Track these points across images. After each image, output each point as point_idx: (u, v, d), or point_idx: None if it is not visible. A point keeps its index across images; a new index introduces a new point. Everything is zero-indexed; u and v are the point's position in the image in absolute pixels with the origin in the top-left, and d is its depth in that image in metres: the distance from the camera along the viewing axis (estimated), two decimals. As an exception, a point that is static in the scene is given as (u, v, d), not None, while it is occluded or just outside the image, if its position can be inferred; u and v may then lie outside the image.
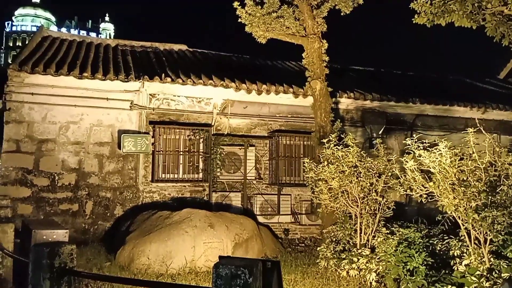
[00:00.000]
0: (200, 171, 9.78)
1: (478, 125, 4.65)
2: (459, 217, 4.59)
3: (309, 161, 6.91)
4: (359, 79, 12.79)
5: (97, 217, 9.20)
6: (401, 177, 4.99)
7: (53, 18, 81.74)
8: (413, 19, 10.09)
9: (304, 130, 10.47)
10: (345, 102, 10.90)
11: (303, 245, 9.58)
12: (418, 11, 9.33)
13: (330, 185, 6.45)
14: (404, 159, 4.90)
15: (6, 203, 7.88)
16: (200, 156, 9.83)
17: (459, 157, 4.55)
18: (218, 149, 9.77)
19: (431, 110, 11.63)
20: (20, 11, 78.78)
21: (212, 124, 9.99)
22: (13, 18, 78.37)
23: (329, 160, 6.51)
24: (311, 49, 8.62)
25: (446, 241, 5.13)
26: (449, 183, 4.46)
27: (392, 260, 4.89)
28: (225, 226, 7.03)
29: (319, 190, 6.67)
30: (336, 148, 6.38)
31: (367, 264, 5.58)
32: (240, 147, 10.00)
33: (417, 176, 4.75)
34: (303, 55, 8.79)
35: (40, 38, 11.55)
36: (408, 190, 4.89)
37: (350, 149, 6.27)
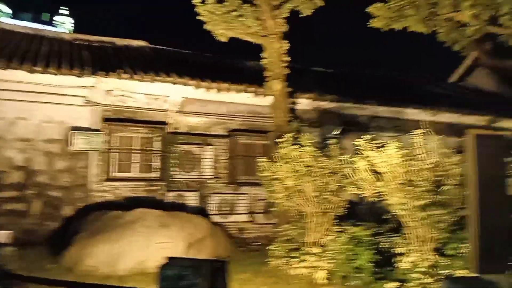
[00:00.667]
0: (156, 170, 9.59)
1: (424, 127, 4.81)
2: (405, 215, 4.73)
3: (264, 160, 6.92)
4: (318, 80, 12.96)
5: (46, 217, 8.80)
6: (352, 177, 5.09)
7: (8, 11, 77.89)
8: (368, 23, 10.42)
9: (263, 130, 10.48)
10: (304, 103, 11.01)
11: (258, 244, 9.59)
12: (374, 16, 9.63)
13: (285, 184, 6.49)
14: (355, 159, 5.00)
15: None
16: (156, 155, 9.63)
17: (408, 158, 4.69)
18: (174, 148, 9.61)
19: (385, 112, 11.97)
20: (-30, 1, 74.59)
21: (169, 122, 9.81)
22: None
23: (284, 160, 6.55)
24: (271, 49, 8.66)
25: (392, 238, 5.29)
26: (397, 183, 4.59)
27: (340, 258, 4.98)
28: (179, 226, 6.92)
29: (274, 189, 6.70)
30: (292, 147, 6.43)
31: (316, 262, 5.65)
32: (198, 146, 9.89)
33: (367, 175, 4.86)
34: (262, 55, 8.81)
35: (-12, 29, 10.95)
36: (358, 190, 5.00)
37: (305, 148, 6.33)
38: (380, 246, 5.27)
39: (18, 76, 8.57)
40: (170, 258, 2.70)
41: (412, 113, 12.20)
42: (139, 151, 9.55)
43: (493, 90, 16.82)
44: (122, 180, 9.33)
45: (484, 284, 2.33)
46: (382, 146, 5.01)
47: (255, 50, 9.05)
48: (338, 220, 6.64)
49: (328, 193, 6.35)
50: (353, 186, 5.03)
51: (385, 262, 4.91)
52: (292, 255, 6.16)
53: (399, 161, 4.65)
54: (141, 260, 6.33)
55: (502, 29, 10.01)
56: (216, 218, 9.78)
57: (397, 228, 5.38)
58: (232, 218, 10.05)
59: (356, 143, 4.95)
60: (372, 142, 4.97)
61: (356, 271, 4.79)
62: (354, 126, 11.56)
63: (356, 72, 16.02)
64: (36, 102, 8.85)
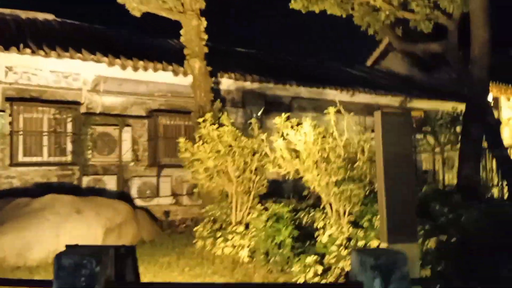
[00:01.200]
0: (69, 153, 8.95)
1: (338, 105, 4.96)
2: (321, 191, 4.88)
3: (184, 141, 6.74)
4: (241, 61, 12.91)
5: None
6: (272, 155, 5.13)
7: None
8: (289, 4, 10.52)
9: (185, 110, 10.22)
10: (226, 83, 10.90)
11: (183, 225, 9.47)
12: (294, -3, 9.75)
13: (206, 165, 6.39)
14: (273, 138, 5.03)
15: None
16: (68, 137, 8.97)
17: (322, 136, 4.82)
18: (89, 130, 9.02)
19: (306, 93, 12.29)
20: None
21: (82, 102, 9.17)
22: None
23: (205, 140, 6.43)
24: (189, 26, 8.39)
25: (311, 214, 5.46)
26: (313, 160, 4.70)
27: (261, 235, 5.04)
28: (95, 212, 6.55)
29: (195, 170, 6.57)
30: (212, 127, 6.32)
31: (240, 241, 5.67)
32: (115, 127, 9.38)
33: (284, 154, 4.92)
34: (181, 32, 8.51)
35: None
36: (277, 168, 5.05)
37: (225, 128, 6.26)
38: (301, 222, 5.42)
39: None
40: (67, 246, 2.49)
41: (331, 94, 12.66)
42: (49, 134, 8.82)
43: (405, 73, 18.08)
44: (30, 165, 8.58)
45: (391, 254, 2.45)
46: (298, 125, 5.09)
47: (176, 28, 8.73)
48: (261, 199, 6.72)
49: (250, 172, 6.37)
50: (273, 165, 5.07)
51: (305, 237, 5.06)
52: (217, 235, 6.12)
53: (314, 139, 4.76)
54: (53, 249, 5.88)
55: (412, 14, 10.69)
56: (139, 202, 9.45)
57: (317, 204, 5.56)
58: (156, 201, 9.77)
59: (275, 122, 4.98)
60: (289, 121, 5.03)
61: (277, 247, 4.87)
62: (276, 106, 11.74)
63: (278, 54, 16.23)
64: None
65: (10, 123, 8.33)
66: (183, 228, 9.13)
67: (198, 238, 6.60)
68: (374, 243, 4.33)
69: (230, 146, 6.28)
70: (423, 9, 10.14)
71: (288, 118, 5.13)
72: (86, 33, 11.25)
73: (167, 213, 10.01)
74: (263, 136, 5.46)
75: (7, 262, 5.56)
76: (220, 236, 6.06)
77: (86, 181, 9.00)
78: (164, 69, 9.78)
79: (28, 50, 8.32)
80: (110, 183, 9.27)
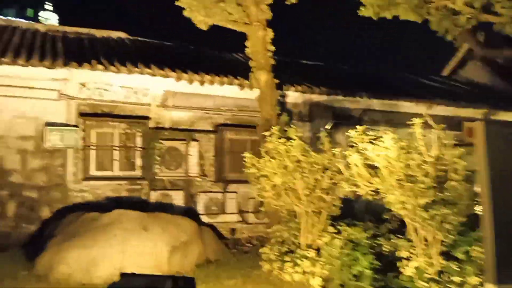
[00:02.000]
0: (138, 168, 9.03)
1: (425, 117, 4.34)
2: (406, 215, 4.27)
3: (250, 156, 6.41)
4: (307, 73, 12.48)
5: (21, 219, 8.21)
6: (346, 173, 4.61)
7: (-12, 6, 75.85)
8: (358, 11, 9.94)
9: (251, 125, 9.94)
10: (293, 96, 10.53)
11: (249, 245, 9.12)
12: (364, 3, 9.16)
13: (273, 182, 5.99)
14: (348, 153, 4.51)
15: None
16: (138, 152, 9.07)
17: (406, 151, 4.22)
18: (157, 144, 9.06)
19: (378, 105, 11.55)
20: (-48, -3, 72.53)
21: (151, 116, 9.25)
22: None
23: (271, 155, 6.05)
24: (255, 38, 8.14)
25: (393, 241, 4.81)
26: (396, 179, 4.12)
27: (336, 263, 4.51)
28: (161, 228, 6.39)
29: (262, 187, 6.20)
30: (279, 141, 5.93)
31: (311, 268, 5.17)
32: (182, 142, 9.35)
33: (361, 171, 4.38)
34: (246, 44, 8.29)
35: (-44, 20, 10.25)
36: (353, 187, 4.52)
37: (293, 142, 5.83)
38: (380, 250, 4.79)
39: (-16, 68, 7.96)
40: (123, 275, 2.20)
41: (406, 106, 11.79)
42: (120, 148, 8.97)
43: (487, 83, 16.52)
44: (102, 179, 8.76)
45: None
46: (377, 139, 4.54)
47: (242, 41, 8.56)
48: (332, 220, 6.17)
49: (320, 190, 5.86)
50: (347, 183, 4.54)
51: (387, 268, 4.44)
52: (285, 259, 5.66)
53: (397, 154, 4.17)
54: (118, 266, 5.79)
55: (496, 17, 9.63)
56: (205, 218, 9.28)
57: (399, 229, 4.92)
58: (221, 218, 9.54)
59: (349, 135, 4.47)
60: (366, 134, 4.49)
61: (355, 278, 4.32)
62: (346, 120, 11.12)
63: (346, 66, 15.58)
64: (6, 96, 8.24)
65: (83, 138, 8.57)
66: (249, 248, 8.77)
67: (265, 261, 6.17)
68: (472, 280, 3.64)
69: (299, 161, 5.84)
70: (509, 10, 9.07)
71: (364, 131, 4.59)
72: (155, 50, 11.49)
73: (233, 231, 9.73)
74: (336, 151, 4.96)
75: (74, 278, 5.53)
76: (288, 261, 5.59)
77: (154, 196, 9.00)
78: (230, 83, 9.63)
79: (100, 66, 8.56)
80: (177, 198, 9.20)
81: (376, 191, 4.42)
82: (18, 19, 13.31)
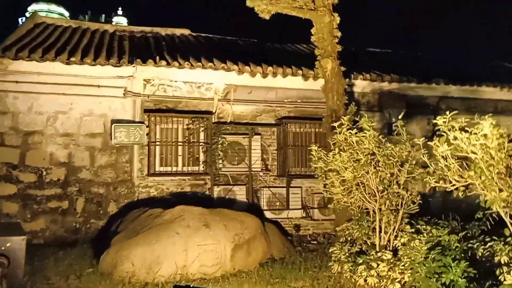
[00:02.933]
0: (201, 163, 8.91)
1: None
2: (508, 214, 3.60)
3: (317, 149, 5.95)
4: (375, 61, 11.68)
5: (89, 215, 8.44)
6: (431, 166, 4.01)
7: (66, 13, 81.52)
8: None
9: (316, 117, 9.49)
10: (361, 85, 9.87)
11: (315, 242, 8.67)
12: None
13: (343, 177, 5.49)
14: (435, 143, 3.91)
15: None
16: (201, 147, 8.95)
17: (509, 140, 3.55)
18: (220, 139, 8.88)
19: (457, 92, 10.52)
20: (33, 6, 78.59)
21: (214, 111, 9.10)
22: (26, 14, 78.34)
23: (341, 148, 5.55)
24: (320, 24, 7.62)
25: (489, 244, 4.12)
26: (496, 172, 3.47)
27: (422, 270, 3.93)
28: (223, 225, 6.15)
29: (330, 183, 5.71)
30: (350, 132, 5.41)
31: (389, 272, 4.63)
32: (245, 136, 9.09)
33: (451, 164, 3.77)
34: (312, 30, 7.79)
35: (32, 24, 10.76)
36: (441, 182, 3.91)
37: (366, 133, 5.28)
38: (474, 254, 4.13)
39: (55, 68, 8.23)
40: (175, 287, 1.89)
41: (488, 92, 10.67)
42: (183, 144, 8.91)
43: None
44: (166, 174, 8.76)
45: None
46: (464, 129, 3.89)
47: (303, 32, 8.08)
48: (408, 218, 5.55)
49: (398, 186, 5.27)
50: (436, 178, 3.94)
51: (482, 275, 3.80)
52: (357, 261, 5.15)
53: (497, 144, 3.52)
54: (181, 264, 5.64)
55: None
56: (268, 214, 8.98)
57: (492, 230, 4.23)
58: (285, 214, 9.18)
59: (436, 122, 3.87)
60: (457, 121, 3.85)
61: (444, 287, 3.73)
62: (420, 108, 10.25)
63: (417, 53, 14.45)
64: (75, 95, 8.49)
65: (148, 134, 8.60)
66: (315, 245, 8.31)
67: (334, 261, 5.70)
68: None
69: (372, 154, 5.29)
70: None
71: (452, 118, 3.95)
72: (218, 45, 11.36)
73: (297, 227, 9.33)
74: (418, 141, 4.35)
75: (136, 276, 5.43)
76: (362, 262, 5.08)
77: (217, 191, 8.85)
78: (293, 74, 9.21)
79: (163, 62, 8.53)
80: (240, 193, 8.98)
81: (469, 186, 3.79)
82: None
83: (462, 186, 3.78)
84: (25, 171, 8.19)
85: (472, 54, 15.46)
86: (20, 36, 9.44)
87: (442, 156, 3.84)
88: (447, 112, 4.00)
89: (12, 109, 8.23)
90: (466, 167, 3.77)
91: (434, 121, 3.98)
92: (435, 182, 3.91)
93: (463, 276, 3.67)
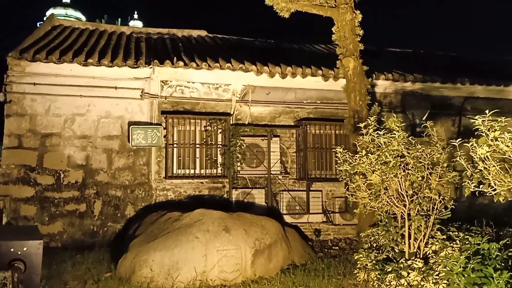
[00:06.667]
0: (219, 165, 8.74)
1: None
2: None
3: (342, 151, 5.70)
4: (397, 61, 11.37)
5: (107, 218, 8.34)
6: (469, 169, 3.74)
7: (83, 18, 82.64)
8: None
9: (336, 118, 9.26)
10: (383, 85, 9.59)
11: (337, 248, 8.41)
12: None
13: (370, 180, 5.24)
14: (472, 145, 3.65)
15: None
16: (219, 149, 8.78)
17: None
18: (238, 141, 8.69)
19: (483, 92, 10.15)
20: (51, 11, 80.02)
21: (231, 113, 8.93)
22: (44, 18, 79.53)
23: (367, 149, 5.30)
24: (342, 22, 7.39)
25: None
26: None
27: (461, 280, 3.67)
28: (243, 230, 5.94)
29: (356, 186, 5.46)
30: (377, 133, 5.15)
31: (421, 282, 4.36)
32: (263, 138, 8.89)
33: (491, 166, 3.50)
34: (333, 29, 7.56)
35: (49, 27, 10.77)
36: (481, 186, 3.64)
37: (395, 134, 5.02)
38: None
39: (72, 70, 8.17)
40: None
41: (517, 92, 10.25)
42: (201, 146, 8.75)
43: None
44: (184, 177, 8.61)
45: None
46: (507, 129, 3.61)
47: (323, 32, 7.84)
48: (439, 225, 5.26)
49: (428, 190, 4.99)
50: (471, 182, 3.67)
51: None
52: (386, 269, 4.89)
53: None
54: (201, 270, 5.45)
55: None
56: (288, 219, 8.75)
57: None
58: (305, 218, 8.94)
59: (452, 129, 3.60)
60: (497, 121, 3.59)
61: (486, 300, 3.47)
62: (444, 109, 9.91)
63: (439, 52, 14.05)
64: (93, 97, 8.41)
65: (165, 136, 8.47)
66: (336, 251, 8.05)
67: (359, 269, 5.45)
68: None
69: (401, 156, 5.02)
70: None
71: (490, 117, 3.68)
72: (234, 45, 11.19)
73: (317, 232, 9.09)
74: (455, 142, 4.08)
75: (155, 282, 5.27)
76: (390, 271, 4.82)
77: (235, 194, 8.66)
78: (313, 74, 8.98)
79: (181, 63, 8.40)
80: (259, 197, 8.78)
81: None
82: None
83: (503, 190, 3.51)
84: (43, 174, 8.14)
85: (497, 52, 14.95)
86: (37, 38, 9.42)
87: (481, 158, 3.57)
88: (471, 113, 3.73)
89: (30, 111, 8.19)
90: (508, 169, 3.50)
91: (472, 121, 3.71)
92: (475, 186, 3.64)
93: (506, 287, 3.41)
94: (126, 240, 6.75)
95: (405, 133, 5.07)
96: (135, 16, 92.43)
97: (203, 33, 11.99)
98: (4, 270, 2.70)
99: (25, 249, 3.89)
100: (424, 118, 9.10)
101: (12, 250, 3.87)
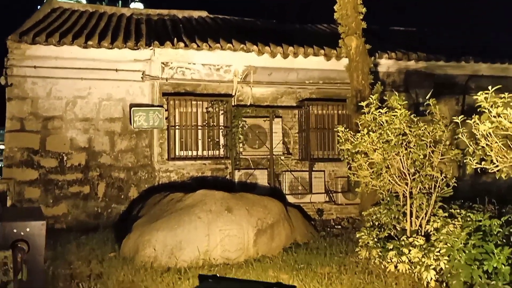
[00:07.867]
0: (221, 147, 8.75)
1: None
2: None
3: (344, 130, 5.68)
4: (400, 40, 11.21)
5: (110, 199, 8.40)
6: (471, 146, 3.72)
7: (83, 1, 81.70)
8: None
9: (338, 98, 9.19)
10: (386, 64, 9.48)
11: (339, 227, 8.47)
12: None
13: (371, 159, 5.22)
14: (474, 121, 3.61)
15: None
16: (221, 130, 8.77)
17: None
18: (240, 122, 8.67)
19: (487, 70, 10.03)
20: (51, -5, 79.15)
21: (233, 94, 8.88)
22: (44, 1, 78.86)
23: (369, 128, 5.27)
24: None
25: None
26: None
27: (461, 256, 3.68)
28: (246, 210, 5.98)
29: (358, 165, 5.46)
30: (379, 112, 5.12)
31: (422, 259, 4.39)
32: (265, 119, 8.86)
33: (494, 143, 3.48)
34: (335, 7, 7.45)
35: (49, 9, 10.64)
36: (483, 163, 3.62)
37: (396, 112, 4.99)
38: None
39: (73, 52, 8.11)
40: (200, 277, 1.71)
41: (522, 70, 10.12)
42: (203, 127, 8.75)
43: None
44: (186, 159, 8.63)
45: None
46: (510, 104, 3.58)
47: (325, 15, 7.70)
48: (441, 202, 5.27)
49: (430, 168, 4.98)
50: (476, 159, 3.64)
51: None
52: (387, 246, 4.92)
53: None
54: (204, 249, 5.51)
55: None
56: (290, 199, 8.79)
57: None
58: (308, 198, 8.98)
59: (456, 108, 3.57)
60: (500, 97, 3.55)
61: (485, 275, 3.48)
62: (448, 88, 9.81)
63: (444, 31, 13.82)
64: (93, 79, 8.38)
65: (167, 118, 8.46)
66: (339, 230, 8.11)
67: (361, 247, 5.49)
68: None
69: (403, 134, 5.00)
70: None
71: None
72: (236, 26, 11.05)
73: (320, 212, 9.14)
74: (457, 119, 4.05)
75: (158, 262, 5.34)
76: (392, 248, 4.85)
77: (238, 175, 8.69)
78: (315, 54, 8.88)
79: (181, 44, 8.32)
80: (261, 177, 8.80)
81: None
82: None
83: (506, 167, 3.49)
84: (46, 156, 8.17)
85: (502, 29, 14.68)
86: (37, 21, 9.33)
87: (483, 135, 3.54)
88: (475, 91, 3.68)
89: (31, 95, 8.18)
90: (510, 146, 3.48)
91: (475, 97, 3.67)
92: (477, 163, 3.62)
93: (507, 263, 3.42)
94: (130, 221, 6.81)
95: (407, 111, 5.03)
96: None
97: (203, 14, 11.83)
98: (4, 250, 2.72)
99: (28, 230, 3.93)
100: (427, 97, 9.02)
101: (15, 231, 3.91)
